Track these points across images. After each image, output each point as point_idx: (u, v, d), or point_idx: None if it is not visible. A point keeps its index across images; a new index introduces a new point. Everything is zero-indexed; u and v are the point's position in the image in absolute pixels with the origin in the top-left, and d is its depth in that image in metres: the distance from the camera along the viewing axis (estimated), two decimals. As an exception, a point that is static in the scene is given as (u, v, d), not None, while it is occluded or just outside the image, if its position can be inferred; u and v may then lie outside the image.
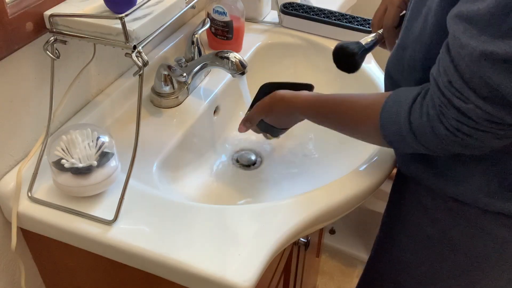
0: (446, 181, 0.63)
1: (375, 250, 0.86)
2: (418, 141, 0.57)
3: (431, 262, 0.71)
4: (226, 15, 0.96)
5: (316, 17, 1.05)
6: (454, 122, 0.52)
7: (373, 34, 0.75)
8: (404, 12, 0.71)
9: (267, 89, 0.76)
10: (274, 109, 0.73)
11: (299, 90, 0.73)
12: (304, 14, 1.06)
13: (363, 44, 0.73)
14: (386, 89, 0.70)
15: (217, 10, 0.96)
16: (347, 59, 0.73)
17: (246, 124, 0.79)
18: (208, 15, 0.98)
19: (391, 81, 0.68)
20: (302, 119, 0.73)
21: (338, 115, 0.67)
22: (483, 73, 0.47)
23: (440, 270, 0.71)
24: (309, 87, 0.80)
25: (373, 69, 0.97)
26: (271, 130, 0.79)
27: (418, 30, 0.59)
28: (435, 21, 0.55)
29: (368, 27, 1.02)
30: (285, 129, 0.79)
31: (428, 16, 0.56)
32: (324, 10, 1.07)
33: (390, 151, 0.74)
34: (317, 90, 1.06)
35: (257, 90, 0.79)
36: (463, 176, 0.61)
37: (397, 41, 0.66)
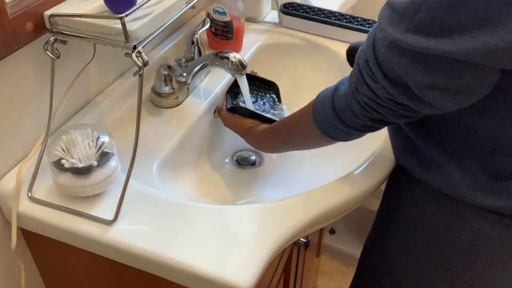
0: (430, 173, 0.64)
1: (366, 242, 0.87)
2: (342, 121, 0.62)
3: (417, 254, 0.72)
4: (226, 15, 0.96)
5: (316, 17, 1.05)
6: (365, 98, 0.57)
7: None
8: None
9: (245, 112, 0.83)
10: (239, 133, 0.84)
11: (265, 85, 0.89)
12: (304, 14, 1.06)
13: None
14: None
15: (217, 10, 0.96)
16: None
17: (217, 114, 0.89)
18: (208, 15, 0.98)
19: None
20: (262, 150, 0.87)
21: (283, 134, 0.75)
22: (392, 58, 0.50)
23: (425, 261, 0.71)
24: (273, 84, 0.90)
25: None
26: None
27: None
28: None
29: (368, 27, 1.02)
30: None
31: None
32: (324, 10, 1.07)
33: (389, 151, 0.74)
34: (317, 90, 1.05)
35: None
36: (446, 169, 0.62)
37: None
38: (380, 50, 0.52)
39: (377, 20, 0.53)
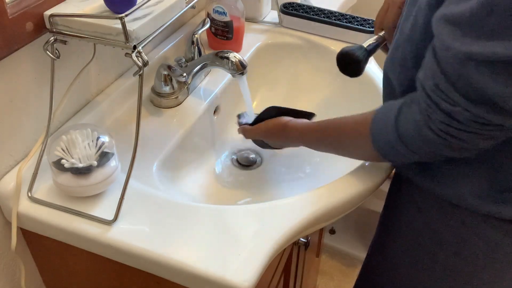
0: (437, 183, 0.63)
1: (371, 249, 0.86)
2: (408, 148, 0.57)
3: (423, 263, 0.72)
4: (226, 15, 0.96)
5: (316, 17, 1.05)
6: (442, 125, 0.52)
7: (375, 37, 0.75)
8: None
9: (272, 112, 0.78)
10: (274, 135, 0.77)
11: (300, 117, 0.76)
12: (304, 14, 1.06)
13: (365, 47, 0.73)
14: (384, 89, 0.70)
15: (217, 10, 0.96)
16: (352, 66, 0.73)
17: (241, 133, 0.84)
18: (208, 15, 0.98)
19: (387, 81, 0.68)
20: (299, 146, 0.77)
21: (332, 139, 0.69)
22: (468, 75, 0.46)
23: (432, 270, 0.71)
24: (310, 115, 0.80)
25: (373, 69, 0.97)
26: (265, 146, 0.83)
27: (409, 29, 0.59)
28: (424, 20, 0.55)
29: (368, 27, 1.02)
30: (279, 148, 0.84)
31: (418, 16, 0.56)
32: (324, 10, 1.07)
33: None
34: (318, 90, 1.05)
35: (263, 108, 0.80)
36: (453, 178, 0.61)
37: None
38: (450, 70, 0.48)
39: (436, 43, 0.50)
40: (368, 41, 0.74)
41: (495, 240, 0.63)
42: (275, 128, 0.76)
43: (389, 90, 0.67)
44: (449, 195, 0.63)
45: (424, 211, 0.68)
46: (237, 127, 0.86)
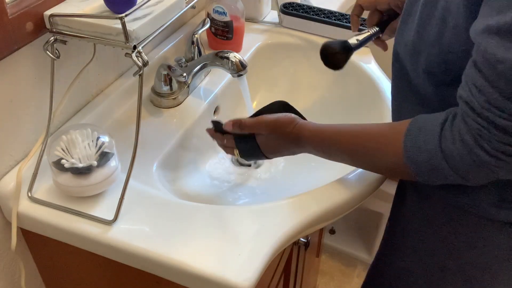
0: (448, 191, 0.62)
1: (377, 256, 0.85)
2: (453, 170, 0.52)
3: (433, 271, 0.71)
4: (226, 15, 0.95)
5: (316, 17, 1.05)
6: (499, 144, 0.48)
7: (365, 31, 0.77)
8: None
9: (280, 107, 0.69)
10: (280, 129, 0.66)
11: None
12: (304, 14, 1.06)
13: (350, 42, 0.74)
14: (397, 96, 0.67)
15: (217, 10, 0.96)
16: (330, 57, 0.75)
17: (235, 127, 0.69)
18: (208, 15, 0.98)
19: (409, 88, 0.64)
20: (302, 152, 0.67)
21: (353, 146, 0.61)
22: None
23: (443, 280, 0.70)
24: None
25: (373, 69, 0.97)
26: (252, 151, 0.70)
27: (434, 34, 0.56)
28: (456, 23, 0.52)
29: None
30: (263, 158, 0.70)
31: (448, 19, 0.53)
32: (324, 10, 1.07)
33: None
34: (317, 89, 1.05)
35: (267, 102, 0.73)
36: (471, 187, 0.58)
37: (404, 46, 0.63)
38: (505, 83, 0.45)
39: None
40: (358, 35, 0.76)
41: (508, 246, 0.62)
42: (285, 122, 0.65)
43: (407, 96, 0.64)
44: (463, 202, 0.61)
45: (430, 218, 0.67)
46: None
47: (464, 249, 0.65)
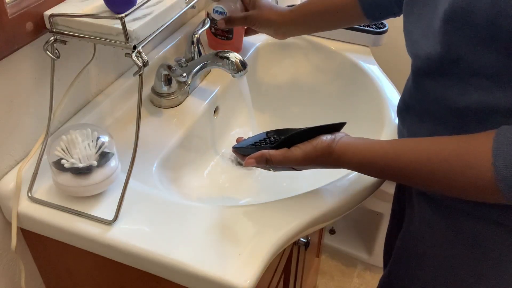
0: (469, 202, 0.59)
1: (390, 265, 0.81)
2: None
3: (442, 281, 0.69)
4: (226, 15, 0.95)
5: (316, 17, 1.04)
6: None
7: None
8: None
9: (303, 135, 0.62)
10: (316, 161, 0.61)
11: (331, 131, 0.62)
12: (304, 14, 1.05)
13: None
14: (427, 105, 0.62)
15: (217, 10, 0.96)
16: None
17: (261, 163, 0.63)
18: (208, 15, 0.98)
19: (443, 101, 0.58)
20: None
21: (421, 170, 0.54)
22: None
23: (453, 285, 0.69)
24: (340, 125, 0.63)
25: (373, 69, 0.97)
26: (285, 169, 0.66)
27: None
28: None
29: (369, 27, 1.02)
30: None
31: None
32: (324, 10, 1.07)
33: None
34: (317, 89, 1.05)
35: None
36: None
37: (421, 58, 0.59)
38: None
39: None
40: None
41: None
42: (318, 155, 0.60)
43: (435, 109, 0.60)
44: (469, 207, 0.60)
45: (431, 224, 0.66)
46: (236, 137, 0.73)
47: (468, 252, 0.64)
